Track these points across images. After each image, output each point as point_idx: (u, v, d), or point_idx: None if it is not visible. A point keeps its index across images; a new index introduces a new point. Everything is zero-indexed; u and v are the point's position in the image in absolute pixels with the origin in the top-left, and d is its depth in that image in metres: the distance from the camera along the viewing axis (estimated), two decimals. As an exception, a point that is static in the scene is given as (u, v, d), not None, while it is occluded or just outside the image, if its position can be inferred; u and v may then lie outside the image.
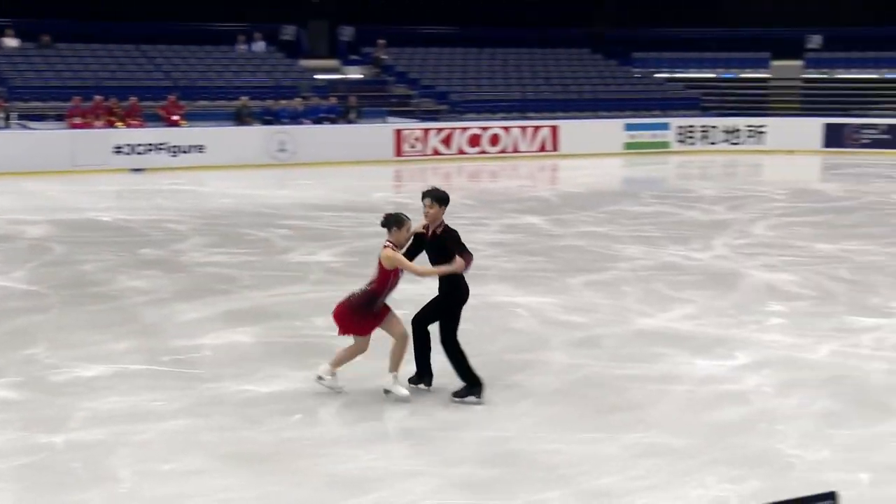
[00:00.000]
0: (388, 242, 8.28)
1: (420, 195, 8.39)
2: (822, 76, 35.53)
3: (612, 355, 9.80)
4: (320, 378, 8.50)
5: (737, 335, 10.49)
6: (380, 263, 8.26)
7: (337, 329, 8.40)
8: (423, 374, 8.59)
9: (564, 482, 6.86)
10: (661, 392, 8.71)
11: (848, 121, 31.70)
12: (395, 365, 8.40)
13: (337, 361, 8.52)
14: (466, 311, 8.42)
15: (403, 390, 8.37)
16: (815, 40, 36.06)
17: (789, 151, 31.11)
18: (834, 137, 31.34)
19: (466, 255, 8.24)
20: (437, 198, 8.31)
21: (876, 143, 31.05)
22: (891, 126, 31.29)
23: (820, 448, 7.50)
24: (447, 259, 8.19)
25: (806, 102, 34.63)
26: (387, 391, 8.41)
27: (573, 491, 6.74)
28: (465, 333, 8.50)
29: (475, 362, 8.41)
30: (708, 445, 7.51)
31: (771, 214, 18.82)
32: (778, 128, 31.90)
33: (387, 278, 8.25)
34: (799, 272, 13.56)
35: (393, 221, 8.30)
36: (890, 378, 9.11)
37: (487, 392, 8.40)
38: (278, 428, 7.79)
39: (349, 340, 8.45)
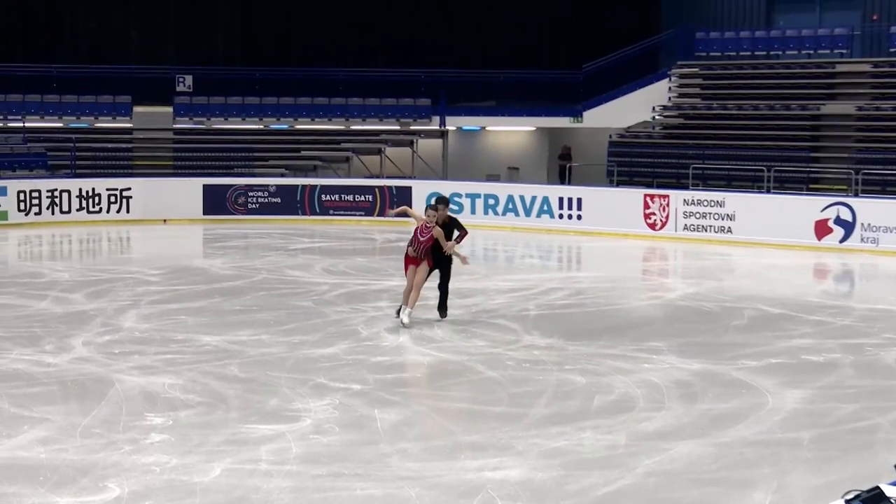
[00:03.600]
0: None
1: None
2: (197, 126, 36.96)
3: (-59, 504, 9.35)
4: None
5: (107, 460, 10.48)
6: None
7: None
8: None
9: None
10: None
11: (232, 181, 33.21)
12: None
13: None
14: None
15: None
16: (187, 81, 37.49)
17: (163, 220, 31.94)
18: (215, 202, 32.62)
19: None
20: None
21: (265, 209, 32.81)
22: (280, 187, 33.22)
23: None
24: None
25: (178, 159, 35.81)
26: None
27: None
28: None
29: None
30: None
31: (143, 301, 19.12)
32: (147, 191, 32.53)
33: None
34: (182, 373, 13.88)
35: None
36: (299, 496, 9.59)
37: None
38: None
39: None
